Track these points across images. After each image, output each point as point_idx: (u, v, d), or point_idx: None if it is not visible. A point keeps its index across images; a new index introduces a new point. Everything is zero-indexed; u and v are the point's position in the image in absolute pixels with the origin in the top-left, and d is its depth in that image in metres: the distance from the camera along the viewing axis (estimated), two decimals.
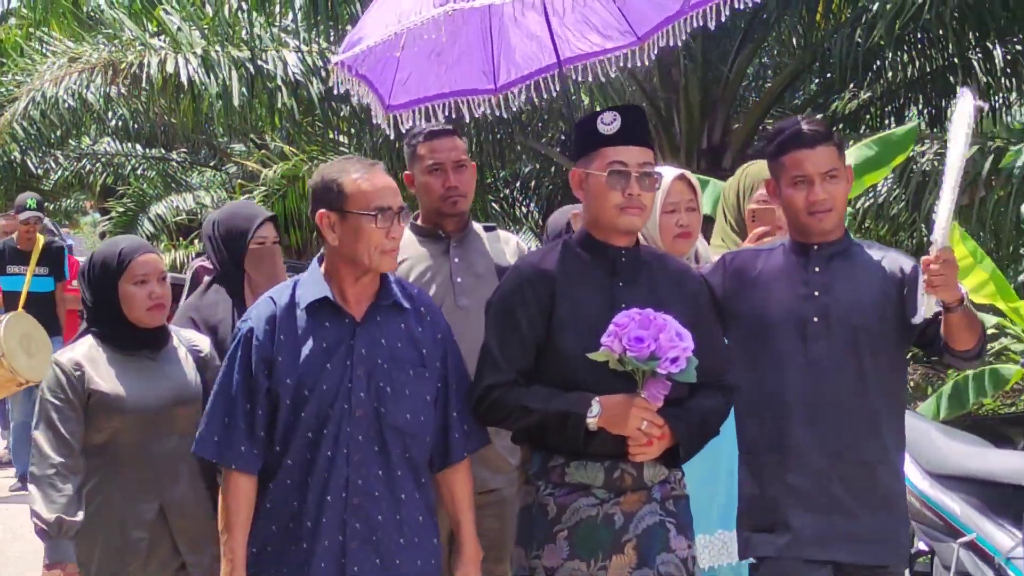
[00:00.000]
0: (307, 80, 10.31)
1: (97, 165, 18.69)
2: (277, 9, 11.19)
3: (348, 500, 2.83)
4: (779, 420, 3.10)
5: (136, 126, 16.88)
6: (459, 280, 3.75)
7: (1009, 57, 9.95)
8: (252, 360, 2.85)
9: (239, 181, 15.98)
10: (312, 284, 2.93)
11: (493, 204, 13.48)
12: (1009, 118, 11.40)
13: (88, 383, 3.37)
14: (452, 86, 4.44)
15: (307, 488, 2.85)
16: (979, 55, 10.02)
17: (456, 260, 3.84)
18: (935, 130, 10.12)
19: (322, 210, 2.89)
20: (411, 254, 3.81)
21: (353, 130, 11.75)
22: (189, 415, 3.41)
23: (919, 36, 9.77)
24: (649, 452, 2.84)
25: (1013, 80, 10.19)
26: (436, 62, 4.18)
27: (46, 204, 11.91)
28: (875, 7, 9.22)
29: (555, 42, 4.23)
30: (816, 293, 3.16)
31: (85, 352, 3.46)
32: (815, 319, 3.12)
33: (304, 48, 10.59)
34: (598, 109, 3.20)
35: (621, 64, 4.50)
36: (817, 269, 3.18)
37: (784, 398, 3.06)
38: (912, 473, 4.46)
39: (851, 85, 10.45)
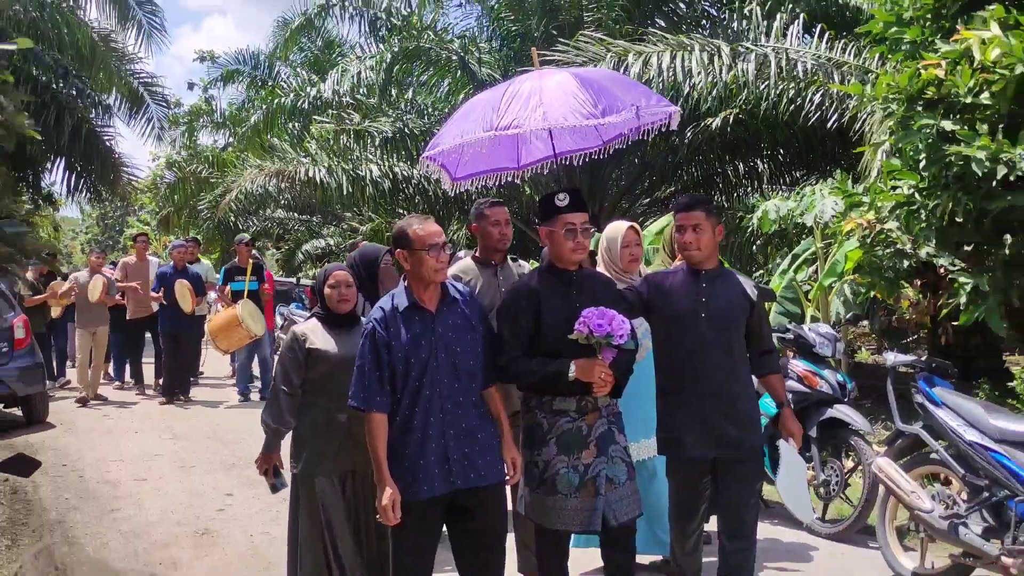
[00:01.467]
0: (382, 180, 15.61)
1: (273, 224, 25.01)
2: (368, 141, 15.87)
3: (444, 418, 4.11)
4: (679, 373, 4.59)
5: (294, 203, 21.94)
6: (503, 291, 5.04)
7: (747, 169, 15.35)
8: (377, 345, 4.07)
9: (348, 233, 22.51)
10: (402, 296, 4.15)
11: None
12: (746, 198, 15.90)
13: (308, 343, 4.81)
14: (491, 165, 5.36)
15: (417, 414, 4.09)
16: (731, 167, 15.38)
17: (501, 279, 5.38)
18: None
19: (399, 250, 4.17)
20: (474, 275, 5.35)
21: (406, 205, 16.65)
22: None
23: (700, 157, 15.00)
24: (605, 390, 4.18)
25: (754, 182, 15.55)
26: (481, 152, 5.04)
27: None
28: (677, 140, 14.13)
29: (553, 145, 5.06)
30: (704, 300, 4.61)
31: (310, 326, 4.91)
32: (703, 314, 4.58)
33: (380, 163, 15.74)
34: (551, 191, 4.57)
35: (567, 162, 5.44)
36: (703, 285, 4.64)
37: (683, 361, 4.57)
38: (975, 436, 5.28)
39: (665, 182, 15.83)
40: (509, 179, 5.50)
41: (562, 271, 4.35)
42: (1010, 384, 7.90)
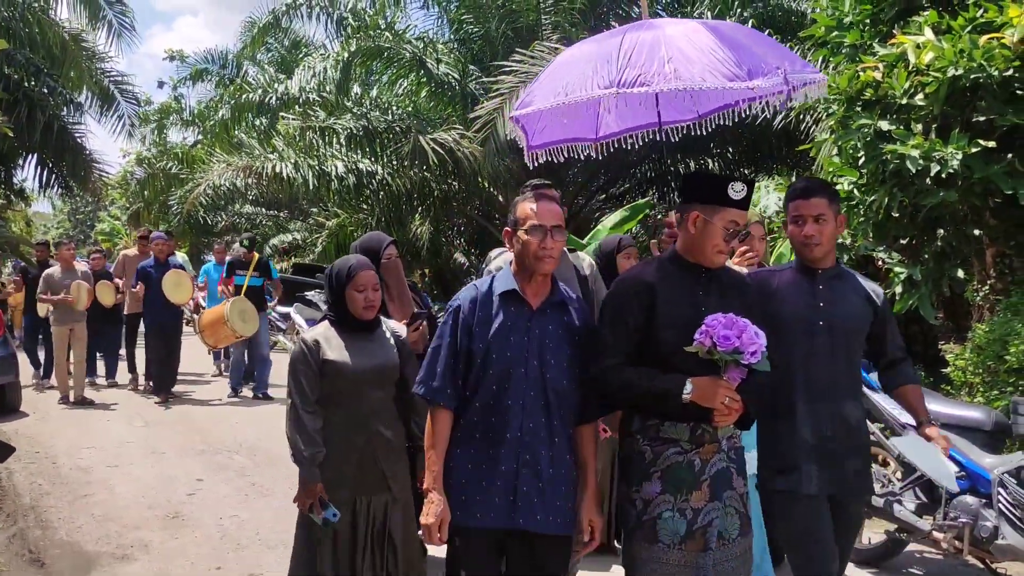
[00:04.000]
0: (347, 176, 15.68)
1: (241, 219, 24.78)
2: (333, 138, 15.77)
3: (522, 439, 3.27)
4: (791, 391, 3.60)
5: (261, 198, 22.43)
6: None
7: (698, 166, 15.47)
8: (459, 327, 3.34)
9: (314, 228, 22.51)
10: (505, 278, 3.40)
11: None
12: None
13: (322, 354, 4.07)
14: (568, 134, 4.71)
15: (490, 427, 3.29)
16: (683, 165, 15.64)
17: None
18: (660, 202, 15.86)
19: (507, 228, 3.44)
20: None
21: (371, 201, 16.87)
22: (388, 377, 4.13)
23: (654, 155, 15.18)
24: (729, 420, 3.20)
25: None
26: (560, 119, 4.37)
27: (214, 241, 15.97)
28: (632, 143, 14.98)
29: (659, 112, 4.46)
30: (821, 304, 3.69)
31: (322, 332, 4.16)
32: (820, 322, 3.66)
33: (345, 159, 15.80)
34: (709, 171, 4.21)
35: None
36: (821, 287, 3.71)
37: (794, 377, 3.56)
38: (909, 419, 4.52)
39: (620, 179, 16.25)
40: (575, 153, 4.86)
41: (692, 265, 3.39)
42: (944, 370, 8.04)
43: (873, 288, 3.81)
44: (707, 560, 3.23)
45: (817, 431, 3.63)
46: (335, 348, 4.10)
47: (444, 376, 3.35)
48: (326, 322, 4.23)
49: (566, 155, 4.90)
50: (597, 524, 3.40)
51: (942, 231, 6.78)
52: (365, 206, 17.53)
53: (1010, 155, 5.94)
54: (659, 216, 14.08)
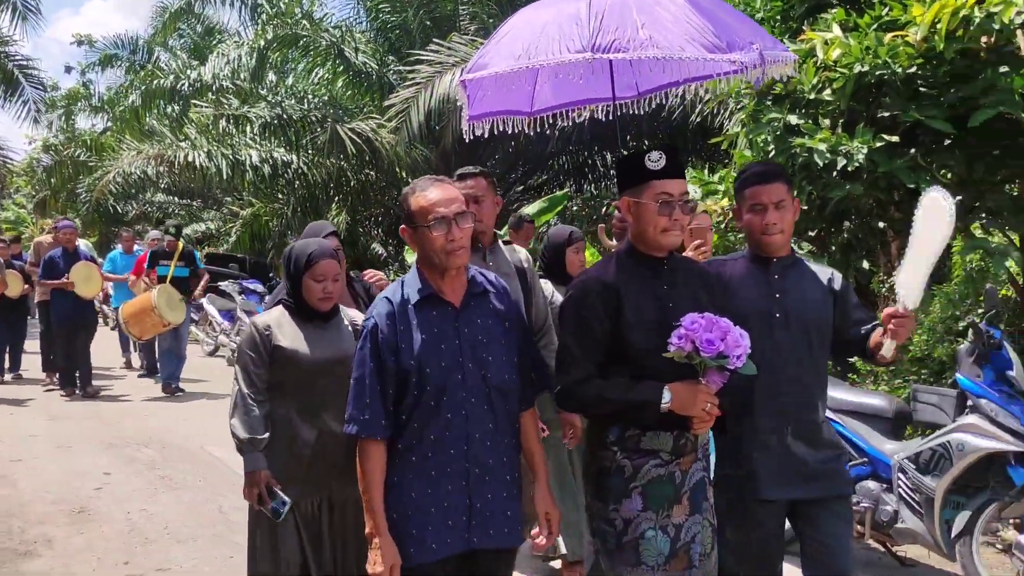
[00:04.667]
0: (262, 165, 15.53)
1: (153, 208, 24.32)
2: (247, 126, 15.79)
3: (468, 451, 2.99)
4: (749, 390, 3.23)
5: (174, 187, 22.04)
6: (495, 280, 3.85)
7: (615, 159, 15.46)
8: (380, 349, 2.96)
9: (229, 217, 22.29)
10: (416, 283, 3.03)
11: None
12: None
13: (274, 340, 3.82)
14: (505, 105, 4.40)
15: (431, 445, 2.97)
16: (599, 158, 16.05)
17: (491, 264, 4.28)
18: (577, 194, 15.97)
19: (403, 226, 3.09)
20: None
21: (286, 190, 16.93)
22: (343, 368, 3.58)
23: (572, 147, 15.63)
24: (708, 427, 3.06)
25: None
26: (502, 87, 4.05)
27: (122, 231, 14.98)
28: (549, 130, 15.08)
29: (613, 83, 4.20)
30: (777, 295, 3.43)
31: (275, 317, 3.92)
32: (777, 315, 3.40)
33: (259, 148, 15.68)
34: (636, 149, 3.41)
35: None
36: (776, 276, 3.46)
37: (751, 377, 3.04)
38: None
39: (538, 171, 16.38)
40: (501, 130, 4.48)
41: (648, 258, 3.15)
42: (851, 359, 8.24)
43: (831, 273, 3.60)
44: None
45: (779, 433, 3.40)
46: (288, 335, 3.87)
47: (375, 406, 2.98)
48: (280, 306, 3.98)
49: (501, 129, 4.56)
50: (554, 517, 3.18)
51: (848, 223, 6.94)
52: (281, 196, 17.40)
53: (913, 150, 6.09)
54: (605, 204, 14.22)
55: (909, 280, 3.23)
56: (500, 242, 4.50)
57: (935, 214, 3.21)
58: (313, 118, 15.48)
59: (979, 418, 4.85)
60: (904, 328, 3.21)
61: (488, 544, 3.04)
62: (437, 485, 3.00)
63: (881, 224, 6.86)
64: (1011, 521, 5.34)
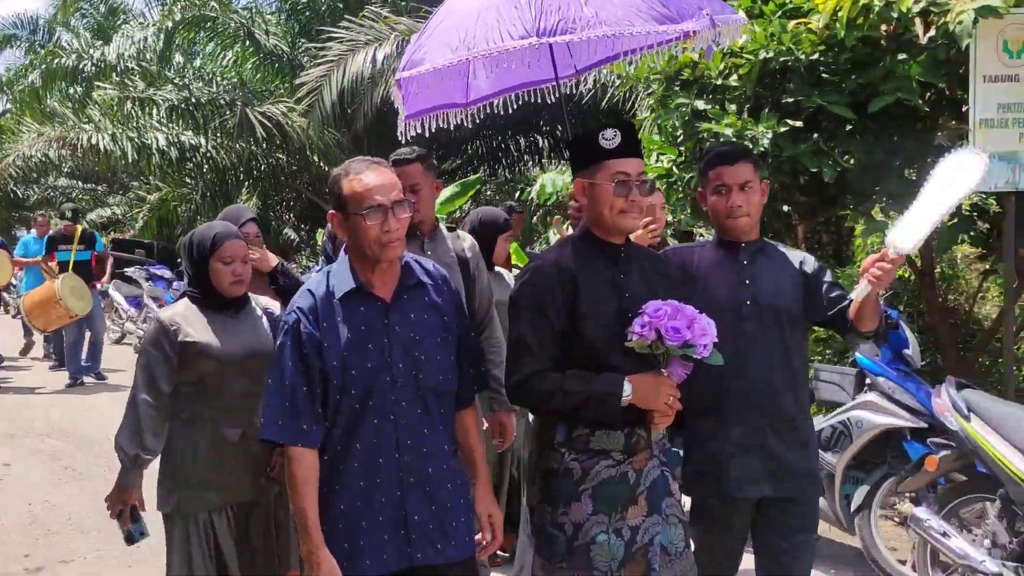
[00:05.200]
0: (169, 149, 15.14)
1: (56, 192, 23.74)
2: (153, 109, 15.25)
3: (400, 459, 2.75)
4: (718, 383, 3.12)
5: (78, 171, 21.51)
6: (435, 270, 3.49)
7: (528, 144, 16.06)
8: (303, 346, 2.71)
9: (135, 202, 21.77)
10: (343, 275, 2.79)
11: None
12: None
13: (181, 335, 3.51)
14: (439, 100, 4.17)
15: (358, 453, 2.73)
16: (513, 143, 16.08)
17: (429, 253, 3.92)
18: (491, 178, 16.17)
19: (331, 211, 2.82)
20: None
21: (195, 174, 16.60)
22: (260, 363, 3.41)
23: (485, 132, 15.48)
24: (668, 422, 2.87)
25: (535, 156, 16.26)
26: (431, 82, 3.76)
27: (37, 215, 15.10)
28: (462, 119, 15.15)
29: (555, 63, 4.02)
30: (747, 281, 3.28)
31: (181, 311, 3.61)
32: (747, 303, 3.25)
33: (167, 130, 15.28)
34: (591, 128, 2.98)
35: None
36: (745, 262, 3.32)
37: (724, 366, 2.88)
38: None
39: (451, 155, 16.29)
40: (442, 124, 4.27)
41: (605, 243, 2.99)
42: None
43: (802, 257, 3.45)
44: None
45: (751, 429, 3.25)
46: (197, 328, 3.57)
47: (295, 409, 2.72)
48: (186, 299, 3.69)
49: (439, 125, 4.35)
50: (497, 518, 3.00)
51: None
52: (189, 180, 17.07)
53: (816, 135, 6.22)
54: (520, 188, 14.19)
55: (912, 225, 3.07)
56: (443, 229, 4.23)
57: (959, 165, 3.12)
58: (222, 101, 15.20)
59: (877, 396, 5.01)
60: (888, 275, 3.06)
61: (436, 559, 2.81)
62: (368, 497, 2.76)
63: (786, 208, 6.99)
64: (907, 495, 5.51)
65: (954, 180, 3.10)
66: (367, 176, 2.75)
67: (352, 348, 2.75)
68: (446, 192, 12.36)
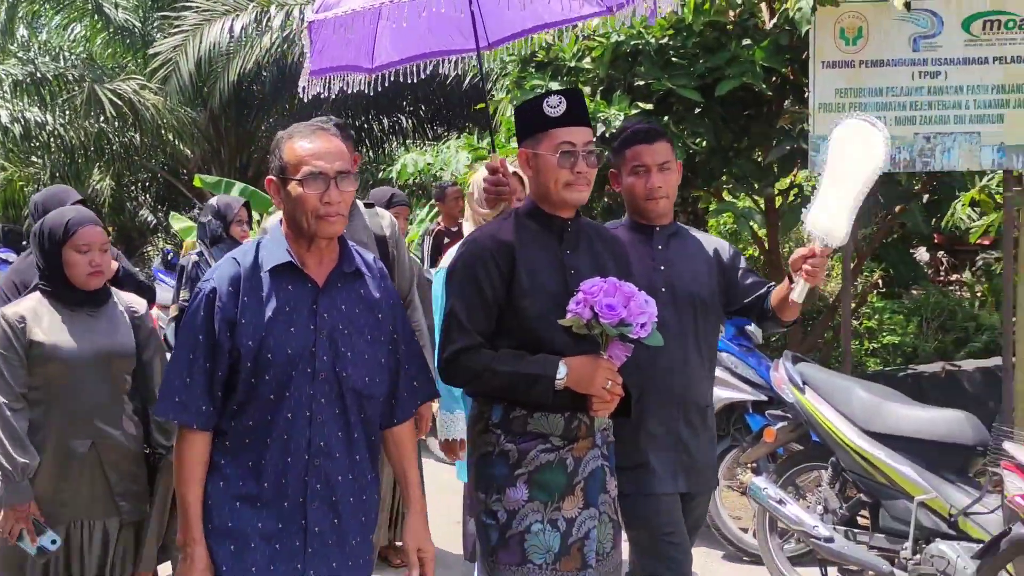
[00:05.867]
0: (13, 126, 14.66)
1: None
2: None
3: (310, 462, 2.49)
4: (633, 377, 2.85)
5: None
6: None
7: (391, 124, 15.92)
8: (215, 320, 2.45)
9: None
10: (275, 247, 2.54)
11: None
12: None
13: (29, 334, 3.20)
14: (343, 60, 4.06)
15: (265, 449, 2.47)
16: (376, 123, 15.94)
17: (344, 232, 3.10)
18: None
19: (269, 177, 2.57)
20: None
21: (41, 152, 15.90)
22: (121, 367, 3.29)
23: (347, 112, 15.02)
24: (609, 408, 2.72)
25: (399, 137, 16.04)
26: (343, 37, 3.70)
27: None
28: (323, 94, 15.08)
29: (476, 26, 3.91)
30: (662, 267, 3.17)
31: (30, 306, 3.28)
32: (663, 289, 3.10)
33: (10, 106, 14.69)
34: (535, 96, 2.95)
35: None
36: (660, 247, 3.20)
37: (639, 356, 2.77)
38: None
39: None
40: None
41: (551, 218, 2.85)
42: None
43: (716, 243, 3.37)
44: None
45: (666, 421, 3.16)
46: (46, 326, 3.26)
47: (196, 388, 2.47)
48: (37, 293, 3.36)
49: (342, 88, 4.22)
50: (428, 554, 2.71)
51: (608, 188, 7.24)
52: (36, 159, 16.46)
53: (666, 117, 6.41)
54: (382, 169, 14.02)
55: (828, 215, 2.96)
56: (360, 205, 3.92)
57: (860, 140, 3.00)
58: (70, 77, 14.64)
59: (721, 370, 5.19)
60: (822, 269, 2.97)
61: None
62: (267, 496, 2.50)
63: None
64: (748, 465, 5.74)
65: (857, 157, 2.99)
66: (311, 141, 2.51)
67: (272, 329, 2.48)
68: None
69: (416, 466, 2.83)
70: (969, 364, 7.16)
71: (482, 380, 2.76)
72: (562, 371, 2.66)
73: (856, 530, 4.41)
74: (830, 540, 4.21)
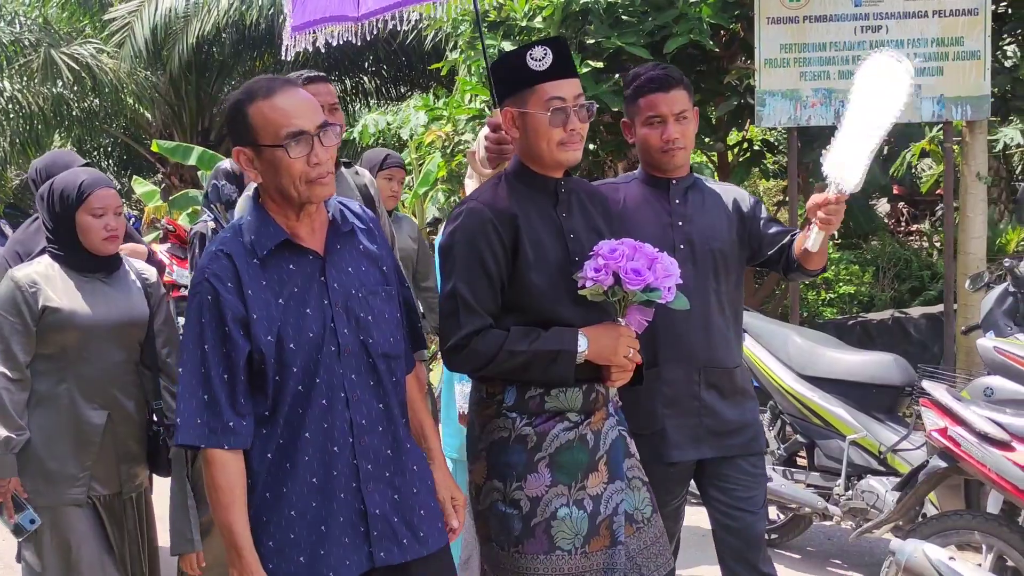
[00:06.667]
0: None
1: None
2: None
3: (355, 443, 2.28)
4: (649, 335, 2.67)
5: None
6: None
7: (353, 85, 15.93)
8: (224, 323, 2.18)
9: None
10: (261, 227, 2.24)
11: None
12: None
13: (42, 299, 3.07)
14: (328, 11, 3.88)
15: (307, 444, 2.24)
16: (339, 85, 15.66)
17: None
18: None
19: (236, 147, 2.24)
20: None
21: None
22: (134, 334, 3.20)
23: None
24: (627, 377, 2.57)
25: (364, 97, 16.14)
26: None
27: None
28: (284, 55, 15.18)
29: None
30: (680, 223, 2.97)
31: (42, 270, 3.14)
32: (681, 246, 2.93)
33: None
34: (515, 47, 2.88)
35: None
36: (677, 201, 3.01)
37: (654, 322, 2.58)
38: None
39: None
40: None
41: (543, 179, 2.63)
42: None
43: (736, 193, 3.16)
44: (618, 556, 2.56)
45: (686, 385, 2.98)
46: (61, 292, 3.11)
47: (218, 404, 2.20)
48: (47, 257, 3.20)
49: (328, 40, 4.07)
50: (460, 500, 2.59)
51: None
52: None
53: (616, 75, 6.58)
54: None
55: (845, 158, 2.79)
56: (341, 165, 3.62)
57: (885, 78, 2.81)
58: (27, 42, 14.54)
59: None
60: (837, 216, 2.80)
61: (402, 557, 2.35)
62: (326, 494, 2.27)
63: (592, 146, 7.35)
64: None
65: (879, 96, 2.81)
66: (280, 98, 2.19)
67: (287, 316, 2.23)
68: None
69: (430, 416, 2.64)
70: (916, 311, 7.42)
71: (497, 363, 2.50)
72: (583, 343, 2.48)
73: (794, 470, 4.65)
74: (768, 480, 4.42)
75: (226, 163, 4.86)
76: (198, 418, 2.19)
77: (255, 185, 2.34)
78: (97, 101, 15.20)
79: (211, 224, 4.90)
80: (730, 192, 3.14)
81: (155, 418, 3.34)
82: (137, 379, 3.27)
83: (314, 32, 3.96)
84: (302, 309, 2.24)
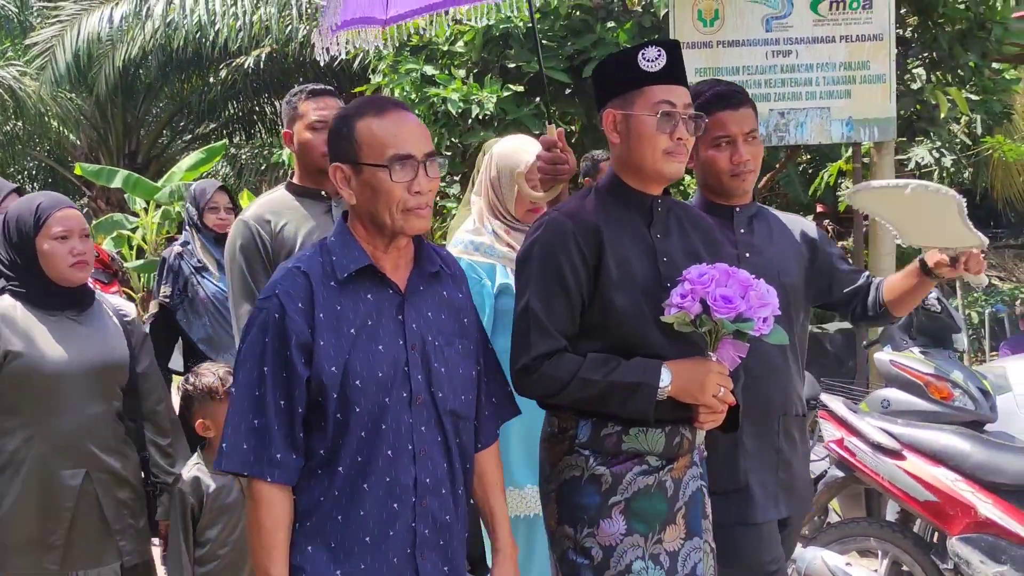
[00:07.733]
0: None
1: None
2: None
3: (417, 504, 2.07)
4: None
5: None
6: None
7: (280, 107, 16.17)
8: (287, 346, 2.00)
9: None
10: (345, 249, 2.10)
11: None
12: None
13: (3, 343, 2.70)
14: (356, 12, 3.65)
15: (365, 497, 2.04)
16: (269, 105, 15.48)
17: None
18: (248, 143, 16.23)
19: (335, 163, 2.11)
20: (292, 216, 3.11)
21: None
22: (114, 379, 2.85)
23: (239, 94, 14.97)
24: (718, 420, 2.31)
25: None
26: None
27: None
28: (212, 78, 14.83)
29: None
30: (747, 255, 2.69)
31: (2, 309, 2.76)
32: None
33: None
34: (623, 48, 2.44)
35: None
36: (742, 231, 2.75)
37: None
38: None
39: (204, 119, 15.90)
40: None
41: (638, 195, 2.43)
42: None
43: (803, 224, 2.96)
44: None
45: (766, 435, 2.73)
46: (23, 334, 2.75)
47: (269, 431, 2.02)
48: (6, 296, 2.83)
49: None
50: None
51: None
52: None
53: (538, 99, 6.74)
54: (276, 152, 14.11)
55: (959, 239, 2.66)
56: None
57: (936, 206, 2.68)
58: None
59: None
60: (980, 259, 2.69)
61: None
62: (374, 556, 2.07)
63: None
64: None
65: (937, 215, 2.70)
66: (392, 118, 2.10)
67: (356, 349, 2.06)
68: (191, 158, 12.32)
69: (503, 500, 2.38)
70: (833, 326, 7.67)
71: (569, 392, 2.30)
72: (666, 378, 2.26)
73: None
74: None
75: (194, 185, 4.85)
76: (244, 443, 2.02)
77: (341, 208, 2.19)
78: (20, 124, 15.06)
79: (177, 248, 4.88)
80: (796, 223, 2.94)
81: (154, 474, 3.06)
82: (120, 432, 2.94)
83: (347, 39, 3.78)
84: (373, 345, 2.07)
